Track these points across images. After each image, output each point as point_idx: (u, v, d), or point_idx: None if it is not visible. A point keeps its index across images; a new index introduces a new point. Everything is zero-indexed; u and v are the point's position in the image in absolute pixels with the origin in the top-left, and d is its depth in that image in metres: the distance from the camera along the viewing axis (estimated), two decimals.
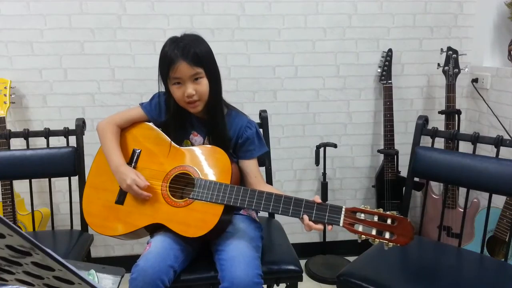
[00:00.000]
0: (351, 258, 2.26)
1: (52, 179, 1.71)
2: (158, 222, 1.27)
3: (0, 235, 0.42)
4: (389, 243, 1.08)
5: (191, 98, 1.28)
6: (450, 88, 2.11)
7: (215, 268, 1.26)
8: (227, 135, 1.36)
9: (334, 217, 1.13)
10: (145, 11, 2.10)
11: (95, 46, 2.11)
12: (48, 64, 2.10)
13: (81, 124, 1.67)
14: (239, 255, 1.21)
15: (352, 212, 1.12)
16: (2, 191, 1.91)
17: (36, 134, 1.70)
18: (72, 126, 1.68)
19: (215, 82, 1.33)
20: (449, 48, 2.10)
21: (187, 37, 1.30)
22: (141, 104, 1.43)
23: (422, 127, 1.61)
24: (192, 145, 1.40)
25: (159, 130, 1.39)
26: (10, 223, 0.41)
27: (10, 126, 2.07)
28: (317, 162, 2.24)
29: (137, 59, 2.14)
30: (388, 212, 1.10)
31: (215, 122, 1.36)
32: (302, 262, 1.78)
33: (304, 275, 2.05)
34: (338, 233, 2.45)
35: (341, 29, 2.23)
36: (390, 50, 2.23)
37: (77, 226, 1.67)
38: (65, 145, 1.68)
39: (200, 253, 1.34)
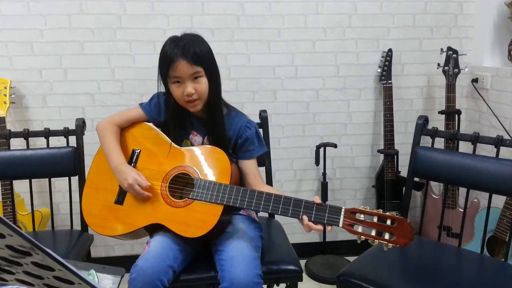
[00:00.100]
0: (351, 258, 2.26)
1: (52, 179, 1.71)
2: (157, 222, 1.27)
3: (0, 235, 0.42)
4: (389, 244, 1.08)
5: (190, 97, 1.28)
6: (450, 88, 2.11)
7: (215, 268, 1.26)
8: (226, 135, 1.36)
9: (333, 218, 1.13)
10: (145, 11, 2.10)
11: (95, 46, 2.11)
12: (48, 64, 2.10)
13: (81, 124, 1.67)
14: (238, 255, 1.21)
15: (351, 212, 1.12)
16: (2, 191, 1.91)
17: (36, 134, 1.70)
18: (72, 126, 1.68)
19: (215, 81, 1.33)
20: (449, 48, 2.10)
21: (187, 36, 1.30)
22: (141, 104, 1.43)
23: (422, 127, 1.61)
24: (192, 145, 1.40)
25: (158, 130, 1.39)
26: (10, 223, 0.41)
27: (10, 126, 2.07)
28: (317, 162, 2.24)
29: (137, 59, 2.14)
30: (387, 213, 1.10)
31: (215, 122, 1.36)
32: (302, 262, 1.78)
33: (304, 275, 2.05)
34: (338, 233, 2.45)
35: (341, 29, 2.23)
36: (390, 50, 2.23)
37: (77, 226, 1.67)
38: (65, 145, 1.68)
39: (200, 253, 1.34)
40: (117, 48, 2.12)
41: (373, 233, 1.09)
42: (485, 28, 2.22)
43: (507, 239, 1.66)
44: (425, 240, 1.74)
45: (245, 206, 1.21)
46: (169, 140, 1.35)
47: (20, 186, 1.99)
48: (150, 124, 1.41)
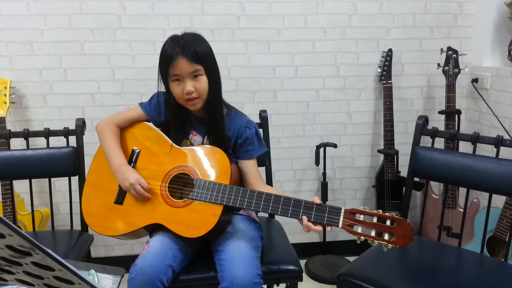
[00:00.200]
0: (351, 258, 2.26)
1: (52, 179, 1.71)
2: (157, 222, 1.27)
3: (0, 235, 0.42)
4: (388, 244, 1.07)
5: (190, 95, 1.28)
6: (450, 88, 2.11)
7: (215, 268, 1.26)
8: (226, 135, 1.36)
9: (333, 218, 1.13)
10: (145, 11, 2.10)
11: (95, 46, 2.11)
12: (48, 64, 2.10)
13: (81, 124, 1.67)
14: (238, 255, 1.21)
15: (351, 213, 1.12)
16: (2, 191, 1.91)
17: (36, 134, 1.70)
18: (72, 126, 1.68)
19: (215, 80, 1.33)
20: (449, 48, 2.10)
21: (187, 35, 1.30)
22: (141, 104, 1.43)
23: (422, 127, 1.61)
24: (192, 144, 1.40)
25: (158, 130, 1.39)
26: (10, 223, 0.41)
27: (10, 126, 2.07)
28: (317, 162, 2.24)
29: (137, 59, 2.14)
30: (387, 213, 1.10)
31: (215, 121, 1.36)
32: (302, 262, 1.78)
33: (304, 275, 2.05)
34: (338, 233, 2.45)
35: (341, 29, 2.23)
36: (390, 50, 2.23)
37: (77, 226, 1.67)
38: (65, 145, 1.68)
39: (200, 253, 1.34)
40: (117, 48, 2.12)
41: (373, 233, 1.09)
42: (485, 28, 2.22)
43: (507, 239, 1.66)
44: (425, 240, 1.74)
45: (244, 206, 1.21)
46: (169, 140, 1.35)
47: (20, 186, 1.99)
48: (150, 124, 1.41)
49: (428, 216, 2.17)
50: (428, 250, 1.52)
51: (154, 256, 1.19)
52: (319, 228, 1.15)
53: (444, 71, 2.12)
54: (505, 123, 2.03)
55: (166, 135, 1.37)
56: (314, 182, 2.39)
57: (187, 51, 1.25)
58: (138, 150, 1.37)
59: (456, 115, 2.12)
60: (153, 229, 1.31)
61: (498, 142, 1.45)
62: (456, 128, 2.12)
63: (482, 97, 2.17)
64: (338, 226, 1.13)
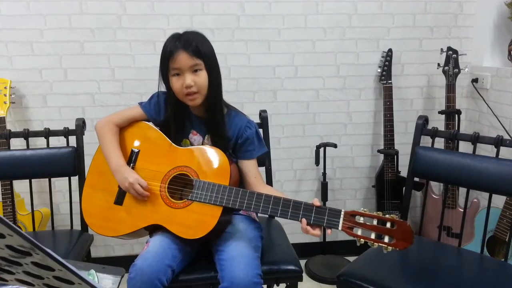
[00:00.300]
0: (351, 258, 2.26)
1: (52, 179, 1.71)
2: (157, 223, 1.27)
3: (0, 235, 0.42)
4: (388, 247, 1.07)
5: (189, 89, 1.28)
6: (450, 88, 2.11)
7: (215, 268, 1.26)
8: (226, 135, 1.36)
9: (332, 221, 1.13)
10: (145, 11, 2.10)
11: (95, 46, 2.11)
12: (48, 64, 2.10)
13: (81, 124, 1.67)
14: (238, 255, 1.21)
15: (351, 215, 1.12)
16: (2, 191, 1.91)
17: (36, 134, 1.70)
18: (72, 126, 1.68)
19: (215, 77, 1.33)
20: (449, 48, 2.10)
21: (189, 33, 1.31)
22: (140, 104, 1.43)
23: (422, 127, 1.61)
24: (191, 144, 1.39)
25: (158, 129, 1.39)
26: (10, 223, 0.41)
27: (10, 126, 2.07)
28: (317, 162, 2.24)
29: (137, 59, 2.14)
30: (387, 216, 1.09)
31: (215, 121, 1.35)
32: (302, 262, 1.78)
33: (304, 275, 2.05)
34: (338, 233, 2.42)
35: (341, 29, 2.23)
36: (390, 50, 2.23)
37: (77, 226, 1.67)
38: (65, 145, 1.68)
39: (200, 253, 1.34)
40: (117, 48, 2.12)
41: (373, 236, 1.09)
42: (485, 28, 2.22)
43: (507, 239, 1.66)
44: (425, 240, 1.74)
45: (244, 207, 1.21)
46: (169, 140, 1.35)
47: (20, 186, 1.99)
48: (150, 124, 1.41)
49: (428, 216, 2.17)
50: (428, 250, 1.52)
51: (153, 256, 1.19)
52: (318, 232, 1.15)
53: (444, 71, 2.12)
54: (505, 123, 2.03)
55: (166, 135, 1.37)
56: (314, 182, 2.39)
57: (188, 46, 1.26)
58: (137, 151, 1.37)
59: (456, 115, 2.12)
60: (153, 229, 1.31)
61: (498, 142, 1.45)
62: (456, 128, 2.12)
63: (482, 97, 2.17)
64: (337, 228, 1.12)
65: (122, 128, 1.42)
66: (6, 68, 2.07)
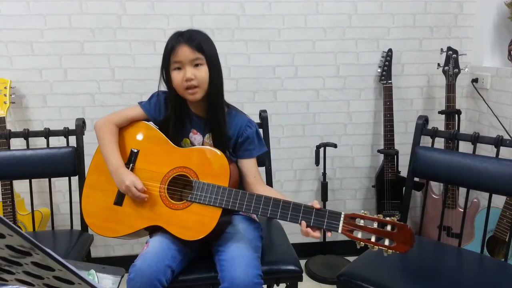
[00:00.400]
0: (351, 258, 2.26)
1: (52, 179, 1.71)
2: (156, 224, 1.27)
3: (0, 235, 0.42)
4: (389, 250, 1.07)
5: (190, 82, 1.28)
6: (450, 88, 2.11)
7: (215, 269, 1.26)
8: (227, 134, 1.36)
9: (332, 224, 1.13)
10: (145, 11, 2.10)
11: (95, 46, 2.11)
12: (48, 64, 2.10)
13: (81, 124, 1.67)
14: (238, 256, 1.21)
15: (351, 218, 1.11)
16: (2, 191, 1.91)
17: (36, 134, 1.70)
18: (72, 126, 1.68)
19: (216, 74, 1.33)
20: (449, 48, 2.10)
21: (192, 30, 1.32)
22: (140, 103, 1.43)
23: (422, 127, 1.61)
24: (192, 143, 1.39)
25: (158, 129, 1.39)
26: (10, 223, 0.41)
27: (10, 126, 2.07)
28: (317, 162, 2.24)
29: (137, 59, 2.14)
30: (388, 219, 1.09)
31: (216, 120, 1.35)
32: (302, 262, 1.78)
33: (304, 275, 2.05)
34: (338, 234, 2.44)
35: (341, 29, 2.23)
36: (390, 50, 2.23)
37: (77, 226, 1.67)
38: (65, 145, 1.68)
39: (200, 253, 1.34)
40: (117, 48, 2.12)
41: (373, 239, 1.08)
42: (485, 28, 2.22)
43: (507, 239, 1.66)
44: (425, 240, 1.74)
45: (243, 209, 1.21)
46: (169, 140, 1.35)
47: (20, 186, 1.99)
48: (149, 124, 1.41)
49: (428, 216, 2.17)
50: (428, 250, 1.52)
51: (153, 257, 1.19)
52: (318, 234, 1.15)
53: (444, 71, 2.12)
54: (505, 123, 2.03)
55: (166, 134, 1.36)
56: (314, 182, 2.39)
57: (191, 41, 1.27)
58: (137, 151, 1.37)
59: (456, 115, 2.12)
60: (153, 229, 1.31)
61: (498, 142, 1.45)
62: (456, 128, 2.12)
63: (482, 97, 2.17)
64: (337, 231, 1.12)
65: (122, 128, 1.41)
66: (6, 68, 2.07)
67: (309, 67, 2.26)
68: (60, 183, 2.14)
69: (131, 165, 1.35)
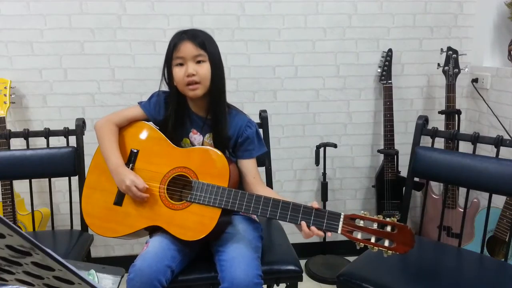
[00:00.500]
0: (351, 258, 2.26)
1: (52, 179, 1.71)
2: (156, 224, 1.27)
3: (0, 235, 0.42)
4: (388, 251, 1.07)
5: (191, 77, 1.28)
6: (450, 88, 2.11)
7: (215, 269, 1.26)
8: (227, 134, 1.36)
9: (332, 224, 1.13)
10: (145, 11, 2.10)
11: (95, 46, 2.11)
12: (48, 64, 2.10)
13: (81, 124, 1.67)
14: (238, 256, 1.21)
15: (351, 219, 1.11)
16: (2, 191, 1.91)
17: (36, 134, 1.70)
18: (72, 126, 1.68)
19: (219, 73, 1.33)
20: (449, 48, 2.10)
21: (196, 29, 1.33)
22: (140, 103, 1.43)
23: (422, 127, 1.61)
24: (192, 143, 1.39)
25: (157, 129, 1.39)
26: (10, 223, 0.41)
27: (10, 126, 2.07)
28: (317, 162, 2.24)
29: (137, 59, 2.14)
30: (388, 219, 1.08)
31: (217, 120, 1.35)
32: (302, 262, 1.78)
33: (304, 275, 2.05)
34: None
35: (341, 29, 2.23)
36: (390, 50, 2.23)
37: (77, 226, 1.67)
38: (65, 145, 1.68)
39: (200, 253, 1.34)
40: (117, 48, 2.12)
41: (373, 240, 1.08)
42: (485, 28, 2.22)
43: (507, 239, 1.66)
44: (425, 240, 1.74)
45: (243, 209, 1.21)
46: (168, 140, 1.35)
47: (20, 186, 1.99)
48: (149, 124, 1.41)
49: (428, 216, 2.17)
50: (428, 250, 1.52)
51: (153, 257, 1.19)
52: (321, 232, 1.14)
53: (444, 71, 2.12)
54: (505, 123, 2.03)
55: (166, 134, 1.36)
56: (314, 182, 2.39)
57: (194, 38, 1.28)
58: (137, 151, 1.37)
59: (456, 115, 2.12)
60: (152, 229, 1.31)
61: (498, 142, 1.45)
62: (456, 128, 2.12)
63: (482, 97, 2.17)
64: (337, 232, 1.12)
65: (122, 128, 1.41)
66: (6, 68, 2.07)
67: (309, 67, 2.26)
68: (60, 183, 2.14)
69: (131, 165, 1.35)
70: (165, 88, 1.37)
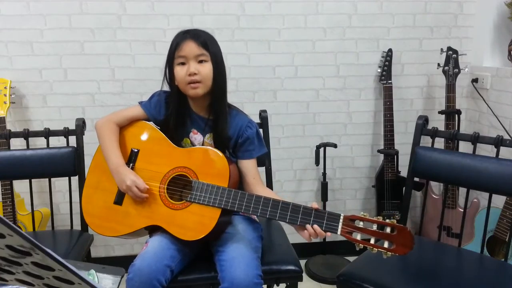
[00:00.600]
0: (351, 258, 2.26)
1: (52, 179, 1.71)
2: (156, 224, 1.27)
3: (0, 235, 0.42)
4: (388, 252, 1.07)
5: (193, 76, 1.28)
6: (450, 88, 2.11)
7: (215, 269, 1.26)
8: (227, 134, 1.36)
9: (332, 225, 1.13)
10: (145, 11, 2.10)
11: (95, 46, 2.11)
12: (48, 64, 2.10)
13: (81, 124, 1.67)
14: (238, 256, 1.21)
15: (350, 220, 1.11)
16: (2, 191, 1.91)
17: (36, 134, 1.70)
18: (72, 126, 1.68)
19: (220, 73, 1.33)
20: (449, 48, 2.10)
21: (199, 29, 1.34)
22: (141, 103, 1.43)
23: (422, 127, 1.61)
24: (192, 143, 1.39)
25: (158, 129, 1.39)
26: (10, 223, 0.41)
27: (10, 126, 2.07)
28: (317, 162, 2.24)
29: (137, 59, 2.14)
30: (387, 221, 1.08)
31: (217, 120, 1.35)
32: (302, 262, 1.78)
33: (304, 275, 2.05)
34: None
35: (341, 29, 2.23)
36: (390, 50, 2.23)
37: (77, 226, 1.67)
38: (65, 145, 1.68)
39: (200, 253, 1.34)
40: (117, 48, 2.12)
41: (372, 241, 1.08)
42: (485, 28, 2.22)
43: (507, 239, 1.66)
44: (425, 240, 1.74)
45: (243, 210, 1.21)
46: (169, 140, 1.35)
47: (20, 186, 1.99)
48: (150, 123, 1.41)
49: (428, 216, 2.17)
50: (428, 250, 1.52)
51: (152, 257, 1.19)
52: (323, 232, 1.14)
53: (444, 71, 2.12)
54: (505, 123, 2.03)
55: (166, 134, 1.36)
56: (314, 182, 2.39)
57: (197, 37, 1.29)
58: (137, 150, 1.37)
59: (456, 115, 2.12)
60: (152, 229, 1.31)
61: (498, 142, 1.45)
62: (456, 128, 2.12)
63: (482, 97, 2.17)
64: (336, 233, 1.12)
65: (122, 128, 1.41)
66: (6, 68, 2.07)
67: (309, 67, 2.26)
68: (60, 183, 2.14)
69: (131, 164, 1.35)
70: (167, 88, 1.37)
